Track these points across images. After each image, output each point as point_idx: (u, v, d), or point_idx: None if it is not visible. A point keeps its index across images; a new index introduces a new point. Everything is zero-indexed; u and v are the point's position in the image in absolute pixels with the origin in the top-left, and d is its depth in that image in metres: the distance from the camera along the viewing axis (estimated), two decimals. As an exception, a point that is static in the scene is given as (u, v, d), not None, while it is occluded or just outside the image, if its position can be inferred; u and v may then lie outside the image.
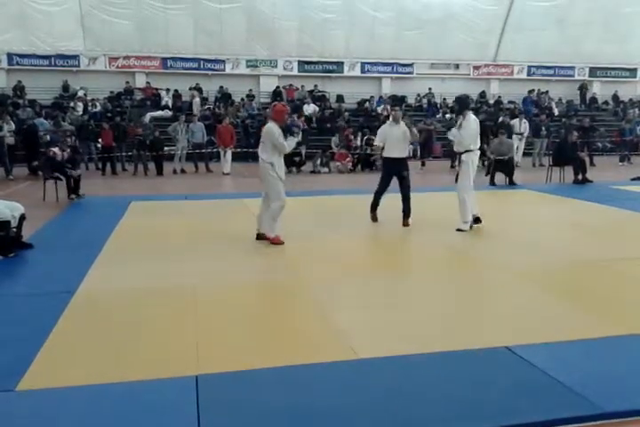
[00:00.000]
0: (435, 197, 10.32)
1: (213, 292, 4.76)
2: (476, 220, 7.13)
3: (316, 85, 22.89)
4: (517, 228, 7.38)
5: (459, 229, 6.90)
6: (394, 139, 7.32)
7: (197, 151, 15.25)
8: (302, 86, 22.51)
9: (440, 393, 3.00)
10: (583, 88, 25.04)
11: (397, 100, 22.89)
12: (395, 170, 7.43)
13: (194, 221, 7.82)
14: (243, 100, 21.17)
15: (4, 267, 5.62)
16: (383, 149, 7.48)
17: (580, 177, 11.97)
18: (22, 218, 6.17)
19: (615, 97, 25.27)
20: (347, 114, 20.12)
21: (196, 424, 2.70)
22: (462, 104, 7.16)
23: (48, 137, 14.08)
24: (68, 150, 10.31)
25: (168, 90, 21.22)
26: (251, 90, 22.20)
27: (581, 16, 23.75)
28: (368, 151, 15.68)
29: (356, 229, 7.33)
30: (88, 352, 3.59)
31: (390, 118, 7.62)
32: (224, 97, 21.34)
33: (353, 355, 3.49)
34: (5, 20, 20.52)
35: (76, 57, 21.58)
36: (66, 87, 21.12)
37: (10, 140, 14.01)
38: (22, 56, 21.12)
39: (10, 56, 20.98)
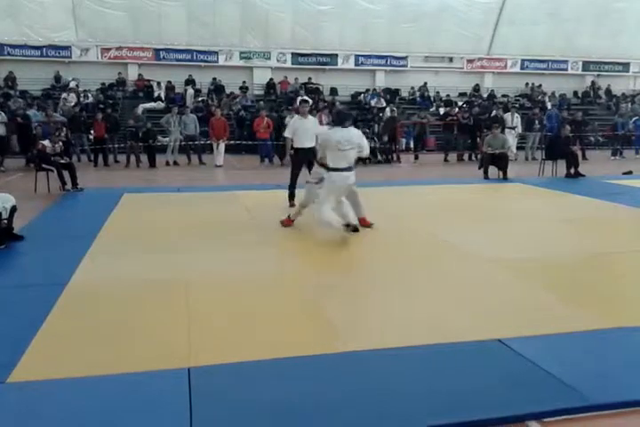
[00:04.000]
0: (426, 190, 10.35)
1: (206, 284, 4.75)
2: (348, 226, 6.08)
3: (309, 78, 22.82)
4: (509, 221, 7.39)
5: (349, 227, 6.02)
6: (304, 131, 7.88)
7: (190, 143, 15.20)
8: (296, 79, 22.43)
9: (431, 386, 3.01)
10: (594, 84, 25.29)
11: (392, 94, 22.92)
12: (305, 159, 7.85)
13: (187, 214, 7.79)
14: (232, 93, 21.01)
15: (-5, 258, 5.59)
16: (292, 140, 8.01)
17: (572, 171, 12.00)
18: (13, 209, 6.13)
19: (608, 91, 25.36)
20: (338, 104, 20.02)
21: (187, 416, 2.70)
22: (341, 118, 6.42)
23: (40, 129, 13.96)
24: (60, 143, 10.25)
25: (159, 83, 21.08)
26: (244, 82, 22.11)
27: (574, 10, 23.78)
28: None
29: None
30: (80, 345, 3.58)
31: (300, 113, 8.25)
32: (217, 89, 21.24)
33: (343, 347, 3.49)
34: (-3, 10, 20.34)
35: (67, 48, 21.42)
36: (58, 78, 20.98)
37: (1, 130, 13.92)
38: (14, 46, 20.94)
39: (1, 46, 20.80)
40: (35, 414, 2.77)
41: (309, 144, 7.67)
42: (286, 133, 8.16)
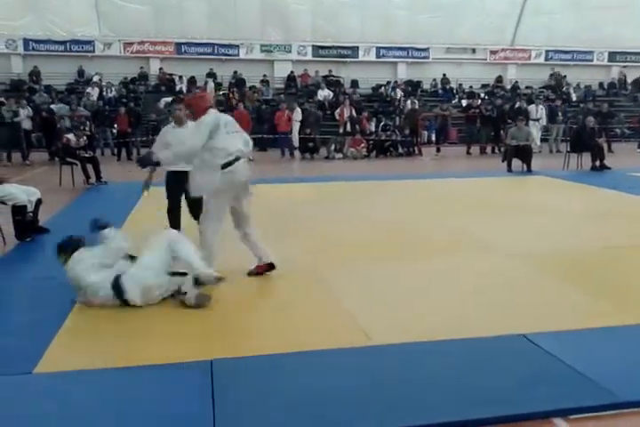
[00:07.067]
0: (448, 182, 10.26)
1: (228, 277, 4.76)
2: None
3: (330, 70, 22.71)
4: (534, 215, 7.29)
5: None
6: (180, 145, 4.74)
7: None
8: (317, 71, 22.35)
9: (455, 380, 2.98)
10: (622, 75, 24.90)
11: (414, 87, 22.71)
12: (179, 187, 5.24)
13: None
14: (254, 87, 20.95)
15: (21, 251, 5.68)
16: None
17: (597, 164, 11.82)
18: (38, 203, 6.22)
19: (635, 82, 24.83)
20: (356, 96, 19.89)
21: (210, 408, 2.71)
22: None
23: (66, 123, 14.15)
24: (84, 137, 10.37)
25: (181, 77, 21.15)
26: (265, 75, 22.09)
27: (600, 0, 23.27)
28: (383, 137, 15.63)
29: (368, 215, 7.30)
30: (103, 336, 3.62)
31: (174, 118, 5.69)
32: (238, 82, 21.26)
33: (367, 341, 3.48)
34: (22, 5, 20.58)
35: (90, 42, 21.60)
36: (81, 72, 21.18)
37: (26, 124, 14.14)
38: (38, 42, 21.17)
39: (26, 42, 21.04)
40: (60, 403, 2.80)
41: (181, 166, 5.12)
42: (153, 147, 5.54)
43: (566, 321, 3.76)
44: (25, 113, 14.18)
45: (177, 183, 5.33)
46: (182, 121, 5.41)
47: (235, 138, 4.62)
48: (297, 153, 15.29)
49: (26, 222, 6.00)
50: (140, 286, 3.99)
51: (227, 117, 4.74)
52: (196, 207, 4.88)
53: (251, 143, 4.90)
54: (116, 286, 3.97)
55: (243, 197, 4.72)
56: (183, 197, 5.71)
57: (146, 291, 4.01)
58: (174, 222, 5.76)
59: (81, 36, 21.47)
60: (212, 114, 4.56)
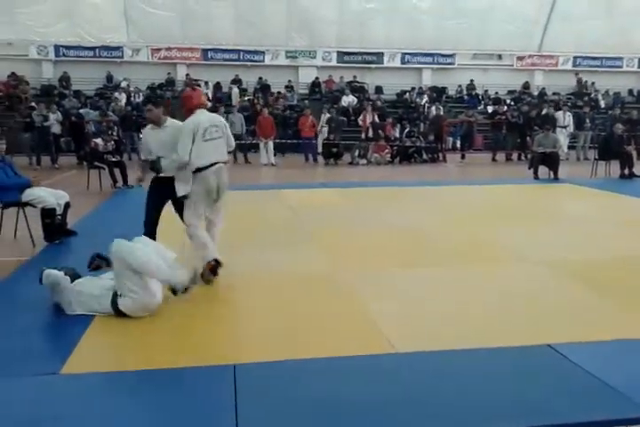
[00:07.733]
0: (473, 190, 10.18)
1: (252, 282, 4.79)
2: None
3: (354, 76, 22.74)
4: (561, 223, 7.20)
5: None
6: (158, 149, 4.87)
7: (236, 142, 15.33)
8: (341, 77, 22.40)
9: (479, 390, 2.95)
10: None
11: (438, 92, 22.60)
12: (166, 194, 5.06)
13: (231, 212, 7.82)
14: (279, 93, 21.05)
15: (49, 253, 5.77)
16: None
17: (626, 171, 11.63)
18: (67, 206, 6.33)
19: (666, 89, 24.41)
20: (379, 103, 19.82)
21: (233, 413, 2.72)
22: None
23: (92, 127, 14.39)
24: (112, 142, 10.54)
25: (207, 83, 21.37)
26: (290, 81, 22.21)
27: (631, 4, 22.88)
28: (407, 144, 15.57)
29: (392, 220, 7.28)
30: (128, 339, 3.66)
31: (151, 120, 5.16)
32: (263, 88, 21.40)
33: (390, 349, 3.47)
34: (54, 12, 21.03)
35: (119, 48, 21.97)
36: (109, 78, 21.54)
37: (56, 129, 14.42)
38: (68, 48, 21.61)
39: (57, 48, 21.49)
40: (86, 404, 2.84)
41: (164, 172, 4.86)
42: (142, 154, 5.44)
43: (593, 331, 3.70)
44: (54, 117, 14.47)
45: (160, 190, 5.12)
46: (158, 122, 4.97)
47: (210, 147, 4.71)
48: (320, 158, 15.33)
49: (54, 225, 6.10)
50: (140, 308, 3.96)
51: (212, 120, 4.83)
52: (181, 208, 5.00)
53: (232, 146, 5.18)
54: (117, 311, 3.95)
55: (218, 198, 4.91)
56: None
57: (144, 308, 3.98)
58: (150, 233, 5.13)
59: (110, 43, 21.86)
60: (196, 117, 4.71)
